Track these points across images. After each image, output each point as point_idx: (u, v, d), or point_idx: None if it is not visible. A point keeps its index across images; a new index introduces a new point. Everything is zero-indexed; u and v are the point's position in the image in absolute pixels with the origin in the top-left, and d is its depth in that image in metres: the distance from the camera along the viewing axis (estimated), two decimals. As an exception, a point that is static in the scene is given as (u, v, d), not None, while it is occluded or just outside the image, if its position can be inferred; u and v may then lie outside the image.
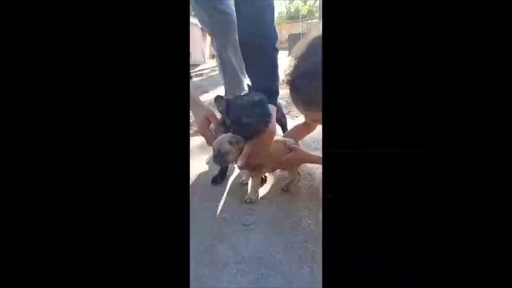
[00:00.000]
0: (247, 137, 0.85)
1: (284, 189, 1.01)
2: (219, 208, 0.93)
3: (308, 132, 1.12)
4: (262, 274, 0.66)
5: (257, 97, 0.84)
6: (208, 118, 0.90)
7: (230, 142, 0.84)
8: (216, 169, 1.09)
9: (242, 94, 0.93)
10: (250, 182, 0.97)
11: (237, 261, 0.70)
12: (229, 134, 0.85)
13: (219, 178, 1.09)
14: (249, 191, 0.96)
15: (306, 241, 0.76)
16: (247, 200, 0.95)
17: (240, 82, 1.49)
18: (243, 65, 1.13)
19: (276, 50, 0.92)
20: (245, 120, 0.82)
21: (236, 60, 1.43)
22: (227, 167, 1.10)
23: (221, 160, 0.85)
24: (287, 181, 1.03)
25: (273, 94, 0.90)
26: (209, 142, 0.90)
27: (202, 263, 0.69)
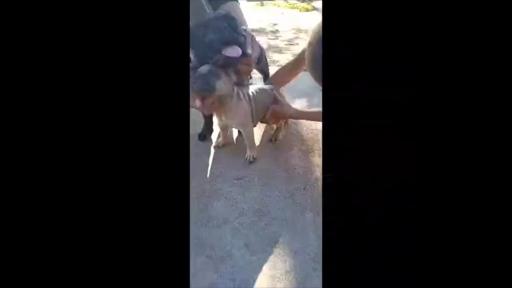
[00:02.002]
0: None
1: (272, 140, 0.99)
2: (209, 164, 0.89)
3: (291, 78, 1.07)
4: (265, 225, 0.67)
5: (221, 13, 0.73)
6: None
7: (215, 64, 0.72)
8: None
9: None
10: (245, 138, 0.90)
11: (238, 215, 0.70)
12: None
13: (207, 132, 1.03)
14: (248, 148, 0.90)
15: (304, 188, 0.76)
16: (250, 159, 0.89)
17: None
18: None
19: None
20: (207, 40, 0.70)
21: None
22: (211, 118, 1.02)
23: (204, 81, 0.72)
24: (272, 131, 1.00)
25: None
26: (193, 105, 0.78)
27: (201, 222, 0.68)
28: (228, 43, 0.71)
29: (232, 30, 0.71)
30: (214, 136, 1.02)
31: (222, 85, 0.76)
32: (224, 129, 0.97)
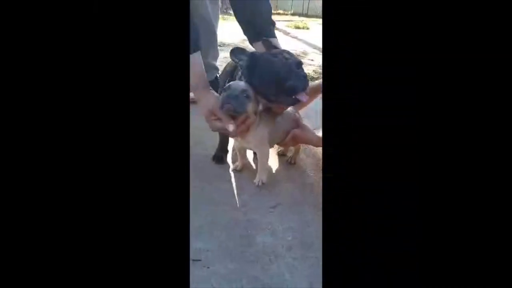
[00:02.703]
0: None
1: (290, 162, 0.97)
2: (235, 191, 0.84)
3: (310, 101, 1.08)
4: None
5: (295, 57, 0.76)
6: (212, 111, 0.74)
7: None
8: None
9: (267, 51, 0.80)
10: (259, 160, 0.86)
11: (287, 248, 0.66)
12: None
13: (223, 154, 0.96)
14: (259, 171, 0.86)
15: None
16: (259, 183, 0.85)
17: (212, 41, 1.28)
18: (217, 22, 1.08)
19: None
20: (290, 82, 0.72)
21: (213, 13, 1.21)
22: (228, 139, 0.97)
23: (238, 101, 0.71)
24: (291, 153, 0.99)
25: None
26: (221, 125, 0.75)
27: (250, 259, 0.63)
28: (303, 91, 0.75)
29: (306, 78, 0.76)
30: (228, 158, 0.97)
31: (251, 107, 0.75)
32: (242, 151, 0.92)
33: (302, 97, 0.74)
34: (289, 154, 1.00)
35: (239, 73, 0.81)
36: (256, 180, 0.85)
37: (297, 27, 4.86)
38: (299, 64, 0.75)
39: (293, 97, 0.73)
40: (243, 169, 0.92)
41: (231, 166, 0.93)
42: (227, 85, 0.77)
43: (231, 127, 0.73)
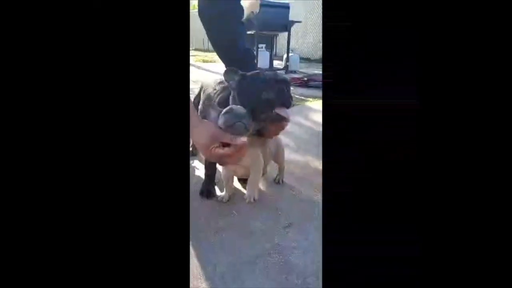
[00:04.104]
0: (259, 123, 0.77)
1: (278, 182, 0.99)
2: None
3: None
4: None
5: (281, 76, 0.78)
6: (216, 140, 0.70)
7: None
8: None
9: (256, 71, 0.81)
10: (251, 177, 0.86)
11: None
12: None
13: (211, 187, 0.91)
14: (248, 189, 0.85)
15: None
16: (250, 199, 0.84)
17: None
18: None
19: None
20: (265, 96, 0.73)
21: None
22: (215, 170, 0.93)
23: (229, 120, 0.69)
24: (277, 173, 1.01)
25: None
26: (224, 159, 0.72)
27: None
28: (284, 105, 0.75)
29: (289, 95, 0.76)
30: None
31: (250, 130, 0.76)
32: (231, 180, 0.91)
33: (283, 112, 0.74)
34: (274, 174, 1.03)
35: (231, 94, 0.80)
36: (246, 197, 0.85)
37: (205, 61, 5.04)
38: (282, 80, 0.76)
39: (274, 112, 0.74)
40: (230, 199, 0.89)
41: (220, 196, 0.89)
42: (228, 108, 0.76)
43: (229, 150, 0.70)
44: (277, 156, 0.97)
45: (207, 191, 0.90)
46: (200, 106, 0.94)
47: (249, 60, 0.90)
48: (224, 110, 0.74)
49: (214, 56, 6.05)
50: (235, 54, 0.89)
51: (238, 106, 0.76)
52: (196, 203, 0.86)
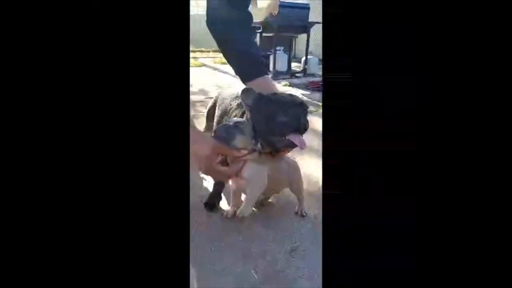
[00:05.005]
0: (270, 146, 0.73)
1: (301, 214, 0.86)
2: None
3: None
4: None
5: (298, 99, 0.72)
6: (215, 154, 0.67)
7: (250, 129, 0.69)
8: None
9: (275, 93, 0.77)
10: (247, 193, 0.78)
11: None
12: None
13: (216, 200, 0.87)
14: (244, 204, 0.76)
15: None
16: (239, 215, 0.75)
17: None
18: None
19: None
20: (279, 119, 0.69)
21: None
22: (223, 184, 0.88)
23: (228, 131, 0.68)
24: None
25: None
26: (230, 173, 0.70)
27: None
28: (297, 131, 0.69)
29: (305, 120, 0.71)
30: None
31: (241, 140, 0.71)
32: (237, 194, 0.85)
33: (296, 139, 0.68)
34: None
35: (245, 114, 0.77)
36: (238, 212, 0.76)
37: (224, 63, 5.04)
38: (299, 104, 0.72)
39: (286, 138, 0.69)
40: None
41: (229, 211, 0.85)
42: (232, 120, 0.73)
43: (242, 152, 0.68)
44: (293, 184, 0.83)
45: (212, 204, 0.86)
46: (215, 120, 0.91)
47: (258, 67, 0.85)
48: (225, 122, 0.70)
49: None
50: (246, 63, 0.85)
51: (241, 119, 0.71)
52: (200, 217, 0.82)
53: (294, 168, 0.84)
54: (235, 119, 0.72)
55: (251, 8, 0.87)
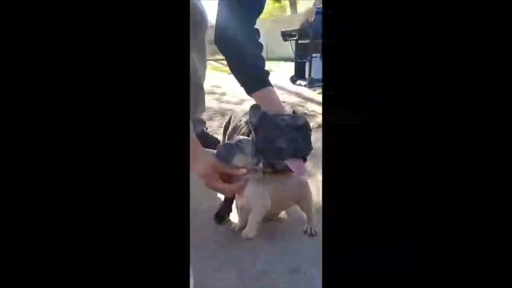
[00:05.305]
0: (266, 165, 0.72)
1: (311, 233, 0.81)
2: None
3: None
4: None
5: (300, 121, 0.71)
6: (216, 171, 0.68)
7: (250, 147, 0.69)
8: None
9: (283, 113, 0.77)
10: (252, 214, 0.76)
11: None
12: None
13: (225, 213, 0.88)
14: (248, 225, 0.75)
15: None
16: (243, 236, 0.74)
17: (198, 95, 1.25)
18: (204, 75, 1.10)
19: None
20: (277, 144, 0.68)
21: (200, 66, 1.20)
22: (233, 198, 0.90)
23: (229, 150, 0.68)
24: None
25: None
26: (230, 191, 0.71)
27: None
28: (296, 156, 0.67)
29: (306, 143, 0.68)
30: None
31: (242, 159, 0.71)
32: (243, 210, 0.85)
33: (294, 164, 0.66)
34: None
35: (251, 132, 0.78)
36: (243, 234, 0.75)
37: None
38: (299, 127, 0.69)
39: (283, 161, 0.67)
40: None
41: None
42: (233, 140, 0.73)
43: (242, 171, 0.69)
44: (301, 201, 0.80)
45: (220, 216, 0.87)
46: (227, 136, 0.94)
47: (262, 79, 0.86)
48: (228, 141, 0.71)
49: (270, 64, 6.08)
50: (250, 75, 0.86)
51: (245, 138, 0.72)
52: (206, 230, 0.83)
53: (302, 185, 0.80)
54: (239, 137, 0.73)
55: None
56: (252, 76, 0.86)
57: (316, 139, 0.90)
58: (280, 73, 4.71)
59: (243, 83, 0.88)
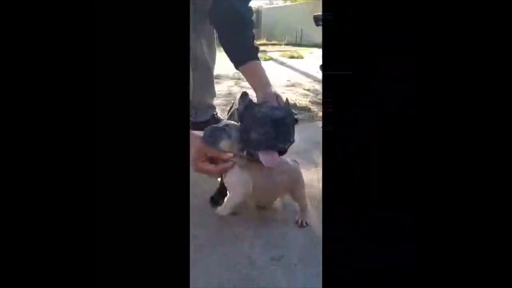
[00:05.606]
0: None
1: (301, 225, 0.80)
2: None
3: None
4: None
5: (279, 113, 0.67)
6: (202, 153, 0.70)
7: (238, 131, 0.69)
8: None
9: (268, 103, 0.74)
10: (228, 194, 0.75)
11: None
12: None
13: (219, 198, 0.89)
14: (224, 203, 0.74)
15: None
16: (216, 212, 0.73)
17: (210, 83, 1.27)
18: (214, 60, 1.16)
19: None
20: (252, 136, 0.66)
21: (209, 52, 1.20)
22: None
23: (214, 134, 0.68)
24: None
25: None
26: (216, 172, 0.71)
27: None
28: (270, 148, 0.65)
29: (280, 137, 0.65)
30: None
31: (226, 143, 0.70)
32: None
33: (265, 156, 0.64)
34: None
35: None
36: (217, 210, 0.74)
37: (291, 57, 4.99)
38: (277, 119, 0.66)
39: (258, 153, 0.66)
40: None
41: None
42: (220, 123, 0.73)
43: (228, 155, 0.70)
44: (294, 191, 0.78)
45: (215, 200, 0.88)
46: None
47: (250, 52, 0.88)
48: (215, 125, 0.71)
49: (303, 51, 5.92)
50: (238, 48, 0.88)
51: (232, 122, 0.71)
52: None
53: (294, 173, 0.77)
54: (226, 121, 0.72)
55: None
56: (240, 50, 0.87)
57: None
58: (311, 60, 4.57)
59: (230, 56, 0.90)
